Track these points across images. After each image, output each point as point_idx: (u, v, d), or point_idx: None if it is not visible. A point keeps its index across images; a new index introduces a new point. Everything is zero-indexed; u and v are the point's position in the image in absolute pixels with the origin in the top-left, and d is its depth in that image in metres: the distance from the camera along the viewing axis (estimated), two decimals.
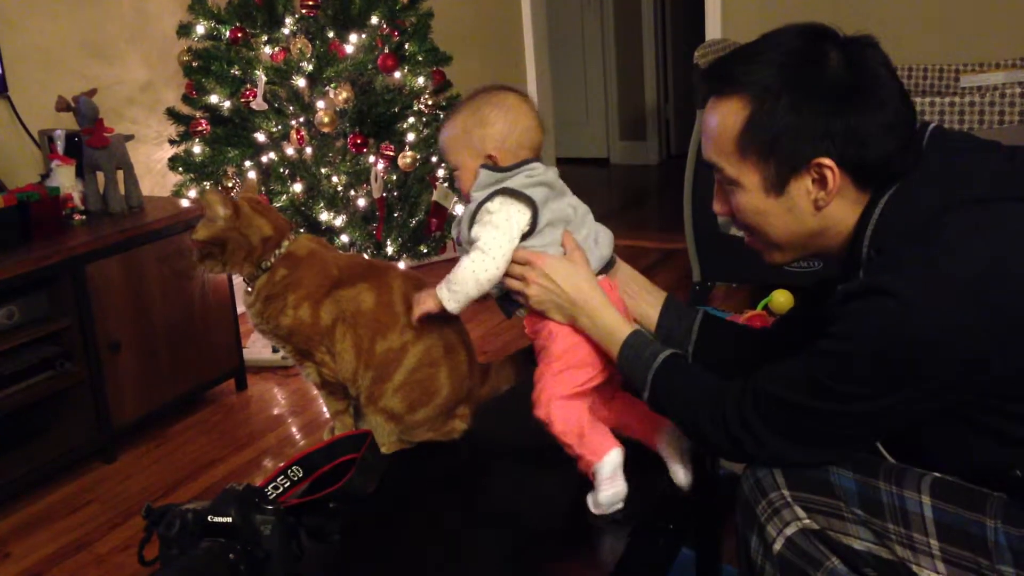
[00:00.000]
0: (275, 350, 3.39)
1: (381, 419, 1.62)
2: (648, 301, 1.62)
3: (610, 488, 1.42)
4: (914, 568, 1.24)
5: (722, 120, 1.30)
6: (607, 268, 1.56)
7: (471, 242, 1.48)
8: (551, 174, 1.52)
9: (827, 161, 1.24)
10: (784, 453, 1.29)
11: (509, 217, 1.46)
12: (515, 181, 1.48)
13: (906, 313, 1.14)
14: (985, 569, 1.20)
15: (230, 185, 3.29)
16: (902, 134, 1.25)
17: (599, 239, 1.55)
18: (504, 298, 1.54)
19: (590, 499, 1.44)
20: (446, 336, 1.62)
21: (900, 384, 1.19)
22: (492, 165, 1.49)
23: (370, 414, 1.63)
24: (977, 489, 1.23)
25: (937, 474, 1.26)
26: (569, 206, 1.53)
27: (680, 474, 1.48)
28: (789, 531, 1.28)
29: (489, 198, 1.47)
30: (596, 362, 1.49)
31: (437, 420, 1.63)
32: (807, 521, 1.28)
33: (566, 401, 1.46)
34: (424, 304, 1.53)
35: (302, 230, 3.21)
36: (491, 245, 1.46)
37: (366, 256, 3.32)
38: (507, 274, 1.50)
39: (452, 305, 1.50)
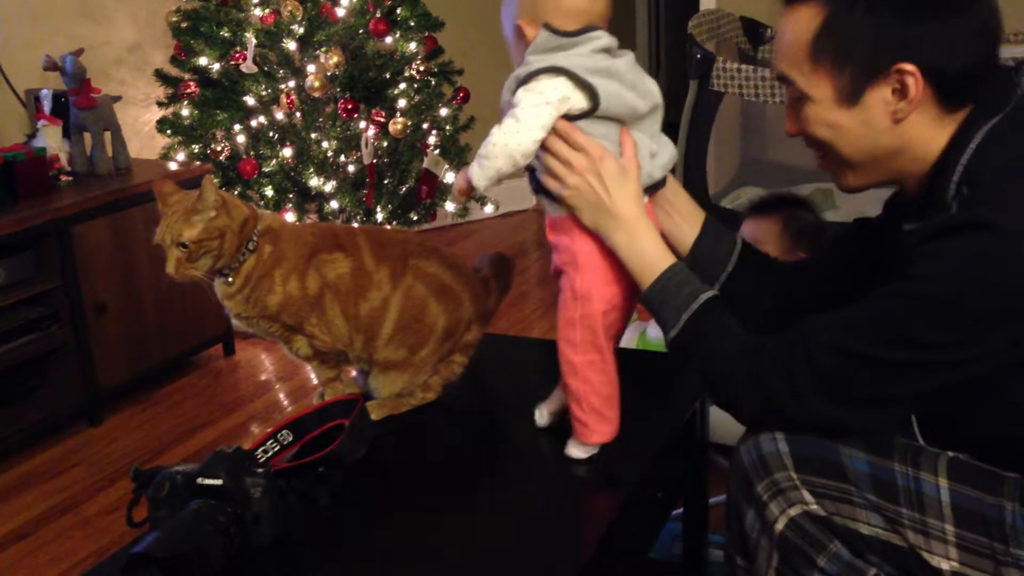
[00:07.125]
0: None
1: (378, 371, 1.62)
2: (686, 219, 1.49)
3: (583, 453, 1.46)
4: (924, 555, 1.19)
5: (795, 28, 1.22)
6: (653, 190, 1.40)
7: (511, 106, 1.30)
8: (621, 63, 1.32)
9: (909, 67, 1.16)
10: (828, 414, 1.20)
11: (557, 88, 1.27)
12: (576, 60, 1.28)
13: (1008, 249, 1.06)
14: (1000, 554, 1.16)
15: (219, 149, 3.26)
16: (991, 44, 1.18)
17: (658, 155, 1.39)
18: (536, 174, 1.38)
19: (571, 445, 1.46)
20: (423, 270, 1.59)
21: (989, 329, 1.09)
22: (554, 30, 1.29)
23: (375, 371, 1.63)
24: (992, 470, 1.19)
25: (951, 453, 1.22)
26: (640, 99, 1.33)
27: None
28: (793, 512, 1.22)
29: (541, 72, 1.27)
30: (622, 304, 1.40)
31: (443, 348, 1.63)
32: (814, 507, 1.21)
33: (592, 355, 1.39)
34: (457, 183, 1.36)
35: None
36: (527, 113, 1.27)
37: (348, 223, 3.31)
38: (553, 153, 1.32)
39: (480, 182, 1.31)
